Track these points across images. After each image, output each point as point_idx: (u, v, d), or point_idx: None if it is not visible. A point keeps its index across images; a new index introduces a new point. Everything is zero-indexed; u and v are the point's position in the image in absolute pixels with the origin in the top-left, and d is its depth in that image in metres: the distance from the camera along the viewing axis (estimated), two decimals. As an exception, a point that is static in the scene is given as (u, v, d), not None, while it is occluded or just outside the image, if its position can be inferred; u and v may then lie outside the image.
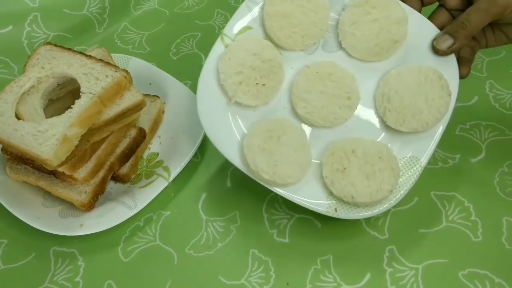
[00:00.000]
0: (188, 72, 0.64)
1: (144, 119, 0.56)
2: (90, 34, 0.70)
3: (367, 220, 0.49)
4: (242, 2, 0.48)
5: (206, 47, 0.67)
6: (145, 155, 0.56)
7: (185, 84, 0.61)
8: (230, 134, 0.46)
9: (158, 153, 0.55)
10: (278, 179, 0.44)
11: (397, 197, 0.44)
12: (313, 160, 0.46)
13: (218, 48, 0.47)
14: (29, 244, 0.50)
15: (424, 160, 0.45)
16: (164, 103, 0.59)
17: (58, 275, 0.48)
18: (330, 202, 0.45)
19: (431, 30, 0.46)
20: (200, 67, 0.65)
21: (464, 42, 0.44)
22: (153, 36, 0.70)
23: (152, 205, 0.51)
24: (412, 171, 0.44)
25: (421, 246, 0.48)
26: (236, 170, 0.54)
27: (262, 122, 0.46)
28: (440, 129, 0.45)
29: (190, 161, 0.54)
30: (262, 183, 0.46)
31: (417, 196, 0.51)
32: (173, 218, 0.51)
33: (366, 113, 0.47)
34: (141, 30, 0.71)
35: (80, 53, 0.51)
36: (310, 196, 0.45)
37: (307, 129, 0.47)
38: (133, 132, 0.53)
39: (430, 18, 0.48)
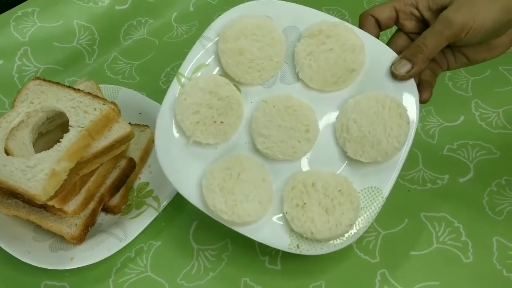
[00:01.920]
0: (178, 100, 0.65)
1: (134, 149, 0.56)
2: (80, 65, 0.71)
3: (358, 243, 0.50)
4: (199, 37, 0.48)
5: (195, 75, 0.69)
6: (135, 185, 0.56)
7: (175, 112, 0.62)
8: (190, 174, 0.46)
9: (148, 183, 0.56)
10: (236, 218, 0.44)
11: (359, 230, 0.43)
12: (274, 195, 0.45)
13: (174, 88, 0.47)
14: (20, 279, 0.50)
15: (386, 191, 0.43)
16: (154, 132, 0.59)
17: (48, 310, 0.48)
18: (292, 238, 0.44)
19: (389, 55, 0.45)
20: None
21: (422, 66, 0.43)
22: (142, 66, 0.71)
23: (143, 236, 0.51)
24: (375, 204, 0.43)
25: (412, 268, 0.48)
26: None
27: (221, 160, 0.46)
28: (400, 158, 0.43)
29: (181, 190, 0.54)
30: (223, 223, 0.45)
31: (407, 218, 0.51)
32: (164, 248, 0.51)
33: (326, 144, 0.46)
34: (131, 60, 0.72)
35: (69, 87, 0.52)
36: (272, 234, 0.44)
37: (268, 164, 0.46)
38: (122, 163, 0.54)
39: (389, 43, 0.47)
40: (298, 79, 0.47)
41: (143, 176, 0.56)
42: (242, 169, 0.45)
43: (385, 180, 0.43)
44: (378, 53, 0.45)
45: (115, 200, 0.53)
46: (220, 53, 0.47)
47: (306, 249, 0.43)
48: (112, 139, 0.49)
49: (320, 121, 0.46)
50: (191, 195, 0.45)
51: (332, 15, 0.76)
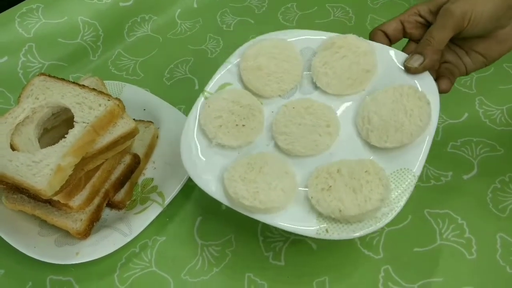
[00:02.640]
0: (182, 97, 0.65)
1: (138, 145, 0.57)
2: (84, 61, 0.71)
3: (362, 240, 0.50)
4: (224, 62, 0.51)
5: (199, 71, 0.69)
6: (139, 181, 0.56)
7: (179, 108, 0.62)
8: (212, 172, 0.46)
9: (152, 179, 0.56)
10: (258, 204, 0.43)
11: (392, 210, 0.41)
12: (299, 188, 0.45)
13: (200, 102, 0.49)
14: (25, 274, 0.50)
15: (417, 170, 0.42)
16: (158, 128, 0.60)
17: (54, 304, 0.48)
18: (319, 223, 0.42)
19: (399, 56, 0.47)
20: (193, 91, 0.67)
21: (433, 57, 0.45)
22: (146, 62, 0.71)
23: (147, 231, 0.51)
24: (406, 183, 0.42)
25: (416, 265, 0.48)
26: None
27: (243, 156, 0.47)
28: (427, 138, 0.43)
29: (185, 186, 0.54)
30: (244, 212, 0.44)
31: (410, 214, 0.51)
32: (169, 244, 0.51)
33: (349, 138, 0.47)
34: (135, 57, 0.72)
35: (74, 83, 0.52)
36: (298, 221, 0.43)
37: (291, 160, 0.46)
38: (127, 159, 0.54)
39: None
40: (316, 88, 0.50)
41: (148, 172, 0.57)
42: (264, 163, 0.45)
43: (414, 160, 0.43)
44: (389, 55, 0.48)
45: (119, 196, 0.53)
46: (241, 71, 0.50)
47: (337, 233, 0.41)
48: (117, 135, 0.49)
49: (340, 119, 0.47)
50: (212, 189, 0.45)
51: (336, 12, 0.76)
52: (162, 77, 0.69)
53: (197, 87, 0.67)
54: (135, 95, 0.62)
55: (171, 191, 0.52)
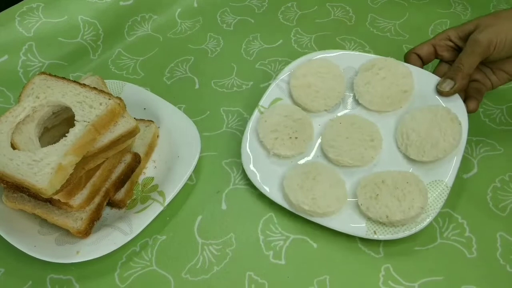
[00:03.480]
0: (182, 96, 0.65)
1: (138, 144, 0.57)
2: (84, 61, 0.71)
3: (362, 239, 0.50)
4: (272, 81, 0.60)
5: (199, 70, 0.69)
6: (140, 180, 0.56)
7: (179, 107, 0.62)
8: (271, 179, 0.53)
9: (153, 178, 0.56)
10: (318, 208, 0.49)
11: (429, 215, 0.48)
12: (348, 199, 0.51)
13: (256, 115, 0.57)
14: (26, 273, 0.50)
15: (449, 181, 0.49)
16: (159, 127, 0.59)
17: (54, 303, 0.48)
18: (368, 226, 0.48)
19: (433, 79, 0.54)
20: (193, 90, 0.67)
21: (462, 82, 0.52)
22: (147, 61, 0.71)
23: (148, 230, 0.51)
24: (440, 192, 0.49)
25: (416, 264, 0.48)
26: (231, 192, 0.55)
27: (298, 165, 0.53)
28: (458, 154, 0.50)
29: (185, 185, 0.54)
30: (303, 215, 0.50)
31: (411, 213, 0.51)
32: (169, 243, 0.51)
33: (390, 151, 0.54)
34: (135, 56, 0.72)
35: (74, 81, 0.52)
36: (349, 223, 0.49)
37: (339, 170, 0.53)
38: (128, 158, 0.54)
39: (434, 72, 0.56)
40: (358, 104, 0.57)
41: (148, 171, 0.57)
42: (317, 173, 0.51)
43: (446, 172, 0.50)
44: (424, 78, 0.55)
45: (120, 195, 0.53)
46: (291, 88, 0.58)
47: (383, 235, 0.48)
48: (117, 134, 0.49)
49: (382, 133, 0.55)
50: (273, 194, 0.52)
51: (336, 11, 0.77)
52: (163, 76, 0.69)
53: (197, 86, 0.67)
54: (136, 94, 0.62)
55: (172, 190, 0.52)
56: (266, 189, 0.52)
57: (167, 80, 0.69)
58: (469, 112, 0.52)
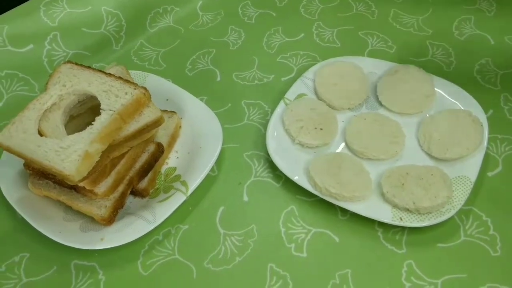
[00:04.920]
0: (204, 88, 0.65)
1: (162, 134, 0.57)
2: (107, 51, 0.72)
3: (385, 234, 0.50)
4: (298, 78, 0.62)
5: (221, 63, 0.69)
6: (162, 170, 0.56)
7: (201, 99, 0.62)
8: (296, 164, 0.54)
9: (175, 168, 0.56)
10: (345, 192, 0.49)
11: (455, 206, 0.48)
12: (372, 183, 0.52)
13: (281, 105, 0.59)
14: (50, 258, 0.51)
15: (473, 176, 0.50)
16: (181, 118, 0.60)
17: (79, 289, 0.49)
18: (394, 213, 0.49)
19: (451, 86, 0.58)
20: (215, 83, 0.67)
21: None
22: (168, 53, 0.72)
23: (170, 219, 0.51)
24: (462, 185, 0.50)
25: (439, 260, 0.47)
26: (252, 184, 0.55)
27: (322, 154, 0.54)
28: (482, 151, 0.52)
29: (207, 176, 0.54)
30: (328, 199, 0.50)
31: (434, 210, 0.51)
32: (191, 232, 0.52)
33: (412, 149, 0.55)
34: (157, 47, 0.73)
35: (100, 71, 0.53)
36: (375, 210, 0.49)
37: (364, 161, 0.54)
38: (151, 147, 0.54)
39: None
40: (380, 105, 0.59)
41: (171, 161, 0.57)
42: (342, 161, 0.53)
43: (470, 169, 0.51)
44: (443, 85, 0.59)
45: (143, 184, 0.54)
46: (317, 85, 0.61)
47: (409, 221, 0.48)
48: (143, 123, 0.50)
49: (404, 132, 0.56)
50: (297, 178, 0.52)
51: (358, 5, 0.76)
52: (184, 68, 0.69)
53: (219, 78, 0.67)
54: (158, 85, 0.62)
55: (195, 180, 0.53)
56: (290, 174, 0.52)
57: (188, 72, 0.69)
58: None
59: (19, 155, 0.47)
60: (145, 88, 0.51)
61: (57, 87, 0.52)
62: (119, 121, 0.49)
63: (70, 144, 0.46)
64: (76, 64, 0.53)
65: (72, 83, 0.52)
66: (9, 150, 0.48)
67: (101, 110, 0.49)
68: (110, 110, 0.49)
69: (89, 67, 0.53)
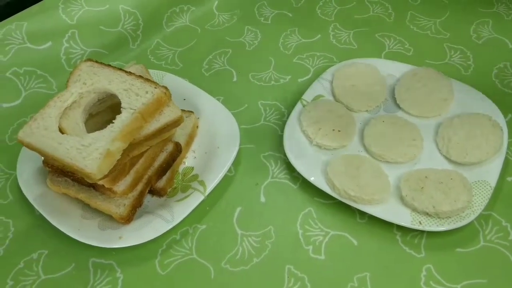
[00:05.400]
0: (221, 88, 0.66)
1: (179, 134, 0.57)
2: (124, 50, 0.72)
3: (403, 238, 0.49)
4: (315, 79, 0.62)
5: (237, 63, 0.69)
6: (180, 170, 0.56)
7: (218, 99, 0.62)
8: (313, 166, 0.53)
9: (193, 167, 0.56)
10: (364, 195, 0.49)
11: (475, 211, 0.48)
12: (391, 186, 0.51)
13: (298, 106, 0.59)
14: (68, 255, 0.51)
15: (492, 181, 0.49)
16: (198, 118, 0.60)
17: (97, 286, 0.49)
18: (413, 216, 0.48)
19: (469, 90, 0.58)
20: (231, 83, 0.67)
21: None
22: (185, 53, 0.72)
23: (188, 219, 0.52)
24: (482, 190, 0.49)
25: (459, 265, 0.47)
26: (269, 185, 0.55)
27: (340, 156, 0.53)
28: (501, 156, 0.51)
29: (225, 176, 0.54)
30: (347, 201, 0.50)
31: (453, 214, 0.50)
32: (209, 232, 0.52)
33: (430, 152, 0.54)
34: (174, 47, 0.73)
35: (120, 69, 0.53)
36: (394, 213, 0.49)
37: (382, 164, 0.53)
38: (170, 147, 0.54)
39: None
40: (398, 108, 0.59)
41: (188, 161, 0.57)
42: (360, 163, 0.52)
43: (490, 173, 0.50)
44: (462, 89, 0.58)
45: (161, 183, 0.54)
46: (335, 87, 0.60)
47: (428, 225, 0.48)
48: (163, 123, 0.50)
49: (423, 135, 0.55)
50: (314, 180, 0.52)
51: (375, 8, 0.76)
52: (201, 68, 0.69)
53: (235, 79, 0.67)
54: (176, 85, 0.62)
55: (213, 180, 0.53)
56: (307, 175, 0.52)
57: (205, 72, 0.69)
58: None
59: (39, 152, 0.47)
60: (165, 87, 0.51)
61: (77, 84, 0.52)
62: (140, 120, 0.49)
63: (91, 142, 0.46)
64: (96, 62, 0.54)
65: (92, 81, 0.52)
66: (30, 147, 0.48)
67: (121, 109, 0.49)
68: (131, 108, 0.49)
69: (109, 65, 0.53)
